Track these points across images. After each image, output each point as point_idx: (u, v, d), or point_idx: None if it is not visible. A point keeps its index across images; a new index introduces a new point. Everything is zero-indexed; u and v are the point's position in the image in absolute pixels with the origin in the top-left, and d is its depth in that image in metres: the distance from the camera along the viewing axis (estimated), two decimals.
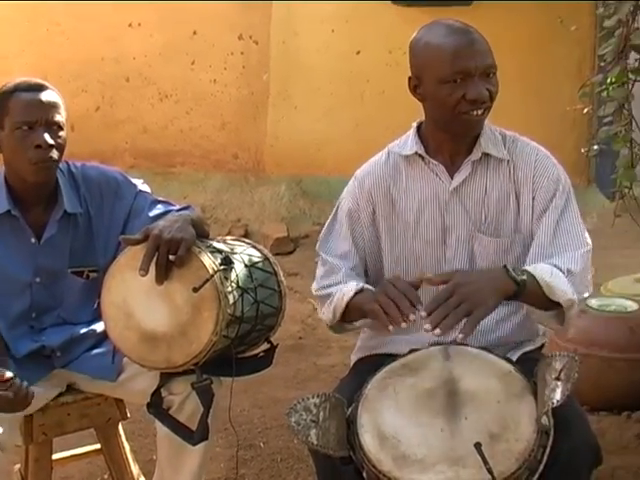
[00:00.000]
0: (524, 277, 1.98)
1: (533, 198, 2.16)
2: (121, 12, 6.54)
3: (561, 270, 2.06)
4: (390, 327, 1.93)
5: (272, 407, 3.66)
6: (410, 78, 2.15)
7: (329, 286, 2.24)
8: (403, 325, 1.91)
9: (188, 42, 6.57)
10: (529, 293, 2.00)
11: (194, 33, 6.56)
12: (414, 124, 2.25)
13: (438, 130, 2.17)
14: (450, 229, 2.19)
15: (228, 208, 6.57)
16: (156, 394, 2.25)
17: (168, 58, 6.59)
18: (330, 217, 2.33)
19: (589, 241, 2.16)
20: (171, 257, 2.10)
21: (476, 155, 2.16)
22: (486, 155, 2.17)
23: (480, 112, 2.08)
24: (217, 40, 6.54)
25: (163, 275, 2.11)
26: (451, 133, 2.15)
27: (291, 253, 6.02)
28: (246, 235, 6.14)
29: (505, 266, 2.00)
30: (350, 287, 2.15)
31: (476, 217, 2.18)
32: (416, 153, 2.20)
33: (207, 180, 6.70)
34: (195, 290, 2.08)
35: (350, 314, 2.17)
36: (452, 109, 2.06)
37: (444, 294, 1.90)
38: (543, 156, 2.19)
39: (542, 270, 2.03)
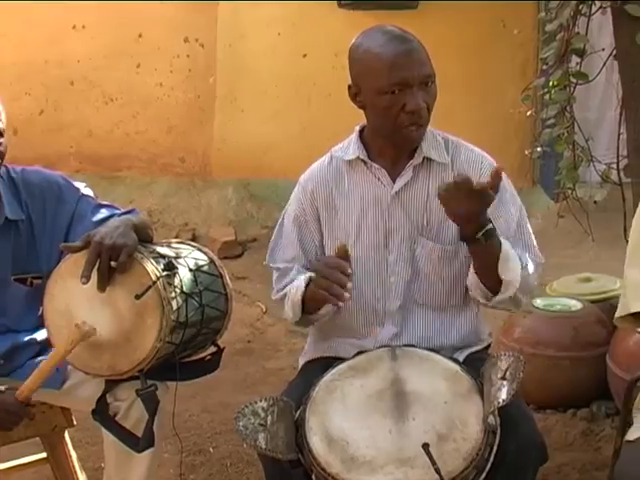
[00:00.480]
0: (492, 231, 2.01)
1: None
2: (65, 14, 6.44)
3: (522, 263, 2.10)
4: (340, 303, 1.99)
5: (221, 412, 3.64)
6: (350, 86, 2.14)
7: (284, 287, 2.25)
8: (346, 295, 1.97)
9: (133, 45, 6.49)
10: (488, 247, 2.03)
11: (139, 36, 6.50)
12: (357, 128, 2.25)
13: (379, 136, 2.18)
14: (392, 233, 2.20)
15: (175, 212, 6.53)
16: (101, 400, 2.22)
17: (113, 61, 6.50)
18: (277, 227, 2.34)
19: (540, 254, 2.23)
20: (113, 263, 2.08)
21: (417, 160, 2.18)
22: (428, 159, 2.19)
23: (420, 126, 2.10)
24: (163, 43, 6.48)
25: (105, 282, 2.08)
26: (392, 143, 2.16)
27: (239, 257, 5.99)
28: (194, 239, 6.09)
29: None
30: (300, 281, 2.16)
31: (418, 221, 2.19)
32: (358, 157, 2.20)
33: (154, 184, 6.64)
34: (137, 297, 2.07)
35: (310, 306, 2.17)
36: (392, 121, 2.08)
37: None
38: (488, 165, 2.21)
39: (508, 245, 2.07)
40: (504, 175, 2.21)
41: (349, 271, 1.98)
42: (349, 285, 1.97)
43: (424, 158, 2.18)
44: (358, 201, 2.22)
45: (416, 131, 2.10)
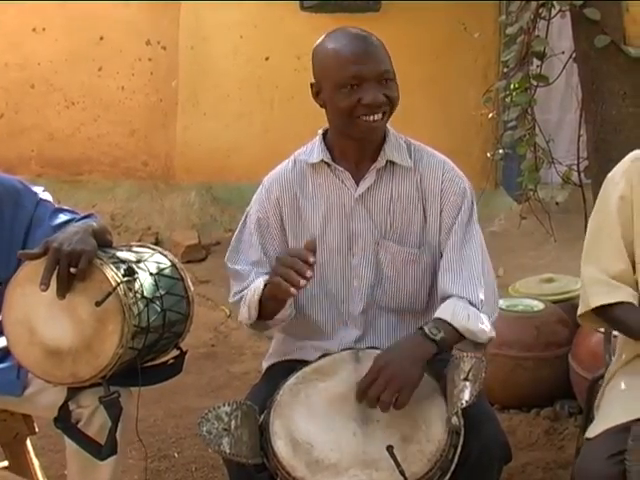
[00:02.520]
0: (442, 334, 1.99)
1: (441, 212, 2.18)
2: (25, 16, 6.37)
3: (475, 305, 2.08)
4: (292, 289, 1.93)
5: (185, 416, 3.62)
6: (312, 84, 2.17)
7: (241, 291, 2.24)
8: (302, 283, 1.92)
9: (95, 48, 6.45)
10: (450, 344, 2.05)
11: (101, 38, 6.45)
12: (320, 131, 2.25)
13: (341, 137, 2.18)
14: (356, 236, 2.20)
15: (138, 216, 6.49)
16: (64, 408, 2.20)
17: (74, 64, 6.45)
18: (239, 227, 2.32)
19: (488, 258, 2.20)
20: (72, 270, 2.06)
21: (381, 163, 2.18)
22: (391, 163, 2.19)
23: (378, 117, 2.09)
24: (124, 46, 6.44)
25: (65, 289, 2.06)
26: (352, 139, 2.16)
27: (203, 260, 5.97)
28: (157, 243, 6.06)
29: (422, 328, 2.00)
30: (259, 281, 2.14)
31: (381, 224, 2.20)
32: (322, 160, 2.20)
33: (116, 188, 6.59)
34: (98, 304, 2.05)
35: (266, 308, 2.15)
36: (349, 114, 2.08)
37: (369, 377, 1.91)
38: (450, 169, 2.21)
39: (460, 315, 2.04)
40: (466, 202, 2.18)
41: (311, 260, 1.94)
42: (308, 274, 1.92)
43: (387, 161, 2.19)
44: (322, 204, 2.22)
45: (373, 122, 2.09)
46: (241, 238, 2.30)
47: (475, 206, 2.22)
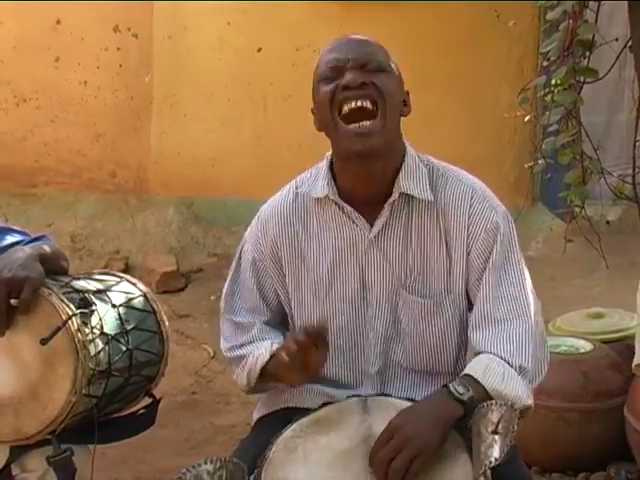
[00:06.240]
0: (470, 393, 1.98)
1: (468, 254, 2.16)
2: None
3: (513, 367, 2.07)
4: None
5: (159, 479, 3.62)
6: (312, 110, 2.17)
7: (242, 346, 2.26)
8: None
9: (50, 34, 6.49)
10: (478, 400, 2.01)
11: (57, 22, 6.50)
12: (327, 155, 2.23)
13: (345, 169, 2.16)
14: (371, 284, 2.20)
15: (104, 237, 6.51)
16: (4, 472, 2.19)
17: (25, 53, 6.50)
18: (233, 267, 2.33)
19: (536, 305, 2.17)
20: (13, 301, 2.07)
21: (394, 195, 2.15)
22: (406, 196, 2.16)
23: (365, 104, 2.06)
24: (87, 32, 6.49)
25: (3, 324, 2.07)
26: (353, 164, 2.13)
27: (182, 290, 6.00)
28: (127, 269, 6.09)
29: (446, 386, 2.00)
30: (264, 349, 2.18)
31: (400, 271, 2.19)
32: (328, 197, 2.19)
33: (78, 203, 6.62)
34: (44, 342, 2.05)
35: (268, 378, 2.20)
36: (331, 114, 2.07)
37: (382, 440, 1.91)
38: (480, 198, 2.18)
39: (493, 375, 2.04)
40: (499, 241, 2.16)
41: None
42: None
43: (402, 194, 2.16)
44: (329, 246, 2.22)
45: (359, 127, 2.06)
46: (236, 282, 2.31)
47: (515, 242, 2.20)
